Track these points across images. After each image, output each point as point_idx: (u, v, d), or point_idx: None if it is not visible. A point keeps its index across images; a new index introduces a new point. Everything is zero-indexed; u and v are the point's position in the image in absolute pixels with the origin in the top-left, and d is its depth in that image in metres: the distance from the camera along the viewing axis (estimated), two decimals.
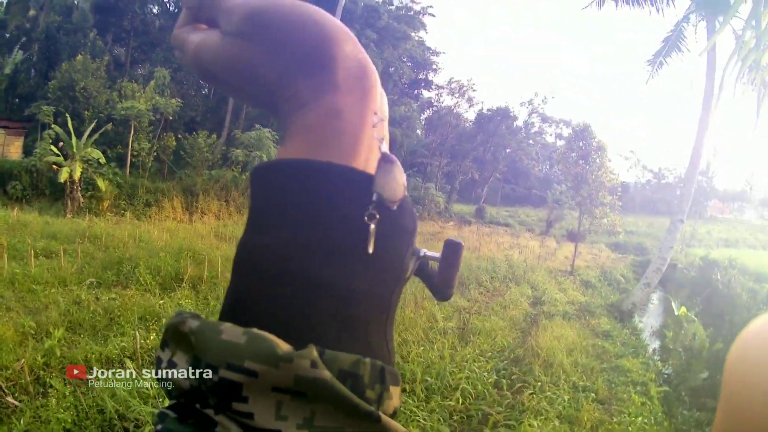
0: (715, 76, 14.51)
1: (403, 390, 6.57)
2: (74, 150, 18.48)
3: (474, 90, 41.05)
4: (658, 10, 16.93)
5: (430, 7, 43.19)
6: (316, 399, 0.33)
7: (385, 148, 0.43)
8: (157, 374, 0.39)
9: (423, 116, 44.37)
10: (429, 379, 6.91)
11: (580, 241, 21.67)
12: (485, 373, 7.47)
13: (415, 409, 6.13)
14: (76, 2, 29.26)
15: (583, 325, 11.24)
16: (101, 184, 19.57)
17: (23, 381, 5.46)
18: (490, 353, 8.42)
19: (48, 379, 5.59)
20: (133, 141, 22.82)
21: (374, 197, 0.39)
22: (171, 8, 33.72)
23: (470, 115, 43.14)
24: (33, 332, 6.77)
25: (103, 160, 19.83)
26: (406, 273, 0.44)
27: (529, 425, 6.09)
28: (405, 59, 41.70)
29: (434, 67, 46.53)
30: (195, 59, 0.47)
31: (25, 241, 11.35)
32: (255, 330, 0.34)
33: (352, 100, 0.42)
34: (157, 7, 33.91)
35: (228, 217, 20.50)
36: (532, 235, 29.67)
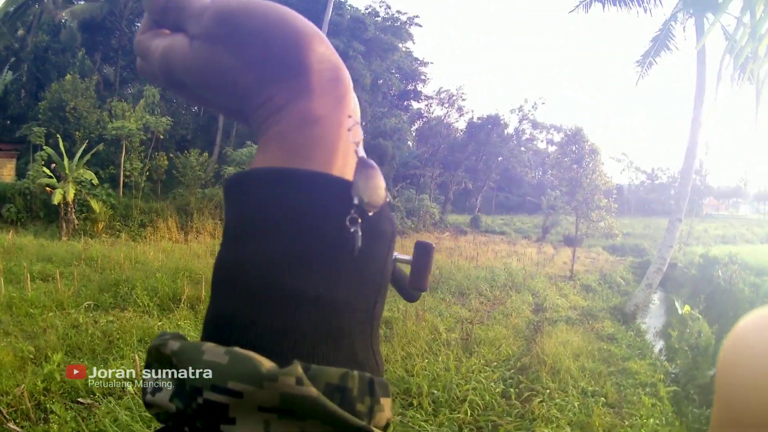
0: (706, 74, 14.59)
1: (410, 404, 6.52)
2: (67, 171, 18.42)
3: (464, 99, 41.28)
4: (645, 10, 17.04)
5: (417, 17, 43.39)
6: (304, 416, 0.33)
7: (362, 152, 0.41)
8: (144, 399, 0.37)
9: (413, 127, 44.29)
10: (435, 392, 6.82)
11: (578, 245, 21.66)
12: (492, 384, 7.37)
13: (423, 423, 6.05)
14: (63, 21, 29.23)
15: (587, 330, 11.19)
16: (95, 205, 19.54)
17: (24, 407, 5.35)
18: (495, 363, 8.35)
19: (49, 405, 5.49)
20: (125, 161, 22.75)
21: (355, 201, 0.38)
22: None
23: (461, 124, 43.28)
24: (32, 357, 6.66)
25: (96, 181, 19.80)
26: (387, 279, 0.42)
27: None
28: (393, 71, 41.80)
29: (423, 77, 46.67)
30: (162, 66, 0.44)
31: (21, 264, 11.27)
32: (237, 349, 0.33)
33: (327, 105, 0.40)
34: None
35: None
36: (528, 242, 29.80)
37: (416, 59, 45.85)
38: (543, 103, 64.10)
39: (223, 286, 0.38)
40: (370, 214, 0.38)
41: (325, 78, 0.40)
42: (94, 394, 5.70)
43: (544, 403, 6.88)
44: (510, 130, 43.85)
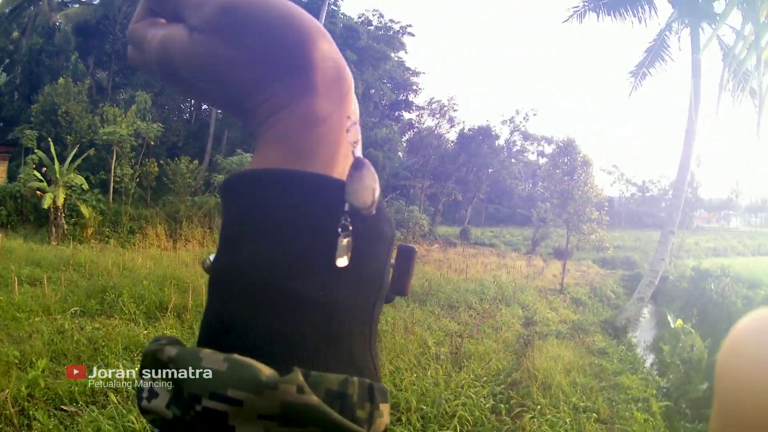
0: (701, 86, 14.61)
1: (398, 420, 6.41)
2: (57, 176, 18.30)
3: (455, 110, 41.34)
4: (640, 21, 17.14)
5: (409, 26, 43.52)
6: (305, 424, 0.32)
7: (359, 152, 0.40)
8: (140, 404, 0.37)
9: (404, 138, 44.36)
10: (424, 407, 6.70)
11: (568, 258, 21.64)
12: (482, 399, 7.27)
13: None
14: (58, 24, 29.16)
15: (578, 344, 11.13)
16: (85, 210, 19.41)
17: (8, 412, 5.25)
18: (485, 377, 8.24)
19: (32, 411, 5.38)
20: (115, 167, 22.62)
21: (346, 207, 0.38)
22: None
23: (452, 135, 43.37)
24: (17, 361, 6.54)
25: (86, 186, 19.65)
26: (387, 280, 0.42)
27: None
28: (385, 80, 41.90)
29: (414, 87, 46.85)
30: (159, 56, 0.42)
31: (10, 268, 11.11)
32: (236, 356, 0.33)
33: (330, 104, 0.40)
34: None
35: (212, 244, 20.25)
36: (518, 255, 29.72)
37: (408, 69, 46.17)
38: (534, 114, 64.60)
39: (220, 288, 0.38)
40: (364, 214, 0.38)
41: (328, 76, 0.40)
42: (78, 402, 5.60)
43: (535, 419, 6.79)
44: (501, 141, 44.07)
